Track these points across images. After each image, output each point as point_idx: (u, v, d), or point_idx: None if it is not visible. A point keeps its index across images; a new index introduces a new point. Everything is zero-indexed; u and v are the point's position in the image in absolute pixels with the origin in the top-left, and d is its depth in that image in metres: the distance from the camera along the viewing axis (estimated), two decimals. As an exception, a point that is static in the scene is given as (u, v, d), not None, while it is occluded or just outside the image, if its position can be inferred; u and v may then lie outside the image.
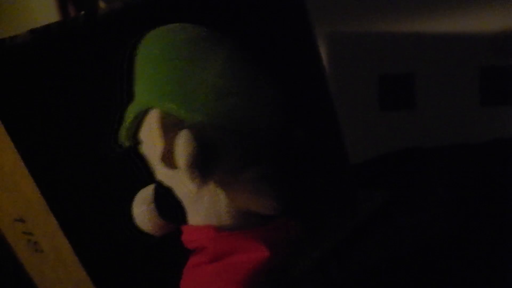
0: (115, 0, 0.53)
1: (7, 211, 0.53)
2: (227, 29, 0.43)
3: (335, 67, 1.09)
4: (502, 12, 0.97)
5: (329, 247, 0.62)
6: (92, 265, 0.48)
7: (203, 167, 0.33)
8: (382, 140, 1.03)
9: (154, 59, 0.36)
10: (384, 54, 1.07)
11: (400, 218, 0.68)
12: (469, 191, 0.71)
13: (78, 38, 0.48)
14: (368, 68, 1.08)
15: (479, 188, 0.71)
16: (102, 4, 0.71)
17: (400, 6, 1.02)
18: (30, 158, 0.45)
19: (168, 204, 0.37)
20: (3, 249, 0.58)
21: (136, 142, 0.39)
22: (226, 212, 0.35)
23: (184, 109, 0.34)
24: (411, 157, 0.89)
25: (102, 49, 0.50)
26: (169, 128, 0.34)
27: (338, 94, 0.81)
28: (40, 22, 0.48)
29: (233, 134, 0.33)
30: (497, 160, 0.79)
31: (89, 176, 0.49)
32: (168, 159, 0.34)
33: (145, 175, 0.40)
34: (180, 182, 0.35)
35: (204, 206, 0.35)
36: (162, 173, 0.37)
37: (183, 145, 0.32)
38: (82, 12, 0.48)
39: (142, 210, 0.37)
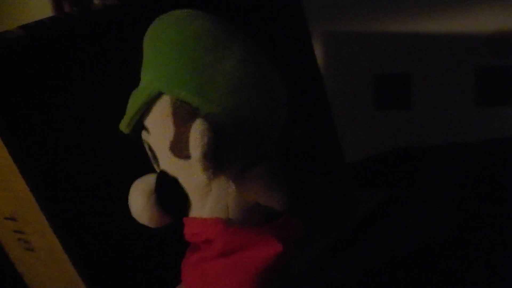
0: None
1: (-3, 209, 0.52)
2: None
3: (330, 66, 1.09)
4: (497, 12, 0.97)
5: (326, 247, 0.62)
6: (83, 264, 0.48)
7: (217, 158, 0.32)
8: (377, 140, 1.03)
9: (172, 44, 0.34)
10: (380, 54, 1.07)
11: (395, 217, 0.68)
12: (465, 190, 0.71)
13: (72, 34, 0.48)
14: (363, 68, 1.08)
15: (475, 188, 0.71)
16: (96, 0, 0.71)
17: (396, 6, 1.02)
18: (20, 156, 0.45)
19: (171, 195, 0.35)
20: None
21: (137, 129, 0.37)
22: (235, 206, 0.35)
23: (201, 98, 0.33)
24: (406, 156, 0.89)
25: (96, 45, 0.50)
26: (182, 116, 0.33)
27: (333, 93, 0.81)
28: (35, 18, 0.47)
29: (246, 127, 0.33)
30: (492, 160, 0.79)
31: (79, 174, 0.48)
32: (178, 148, 0.33)
33: (143, 165, 0.38)
34: (189, 172, 0.34)
35: (213, 198, 0.35)
36: (169, 162, 0.35)
37: (198, 134, 0.31)
38: (76, 8, 0.48)
39: (141, 201, 0.35)
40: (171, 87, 0.33)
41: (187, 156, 0.33)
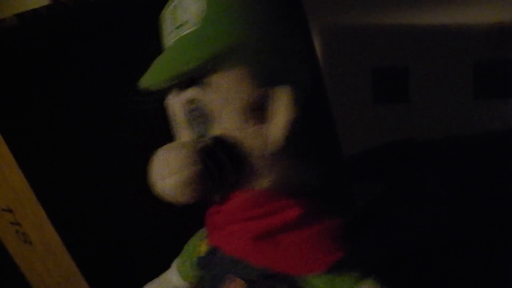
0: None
1: (-5, 201, 0.52)
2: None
3: (328, 60, 1.09)
4: (496, 6, 0.97)
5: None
6: (80, 255, 0.48)
7: (298, 127, 0.31)
8: (375, 133, 1.03)
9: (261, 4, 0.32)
10: (378, 48, 1.07)
11: (393, 210, 0.68)
12: (463, 183, 0.72)
13: (68, 24, 0.48)
14: (361, 61, 1.08)
15: (473, 180, 0.71)
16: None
17: (394, 0, 1.02)
18: (17, 148, 0.45)
19: (223, 162, 0.31)
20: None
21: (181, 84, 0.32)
22: (297, 179, 0.33)
23: (289, 66, 0.32)
24: (404, 149, 0.89)
25: (92, 35, 0.49)
26: (262, 78, 0.31)
27: (331, 87, 0.81)
28: (30, 7, 0.47)
29: (317, 100, 0.33)
30: (490, 152, 0.79)
31: (77, 167, 0.48)
32: (255, 111, 0.31)
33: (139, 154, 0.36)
34: (259, 138, 0.31)
35: (279, 169, 0.32)
36: (234, 126, 0.31)
37: (287, 101, 0.30)
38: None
39: (182, 174, 0.29)
40: (256, 50, 0.31)
41: (263, 120, 0.31)
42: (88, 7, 0.48)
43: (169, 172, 0.29)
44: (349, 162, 0.80)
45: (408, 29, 1.02)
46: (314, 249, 0.31)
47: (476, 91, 0.99)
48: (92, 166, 0.49)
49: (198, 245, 0.39)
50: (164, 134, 0.40)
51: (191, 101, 0.32)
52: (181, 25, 0.32)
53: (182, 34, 0.32)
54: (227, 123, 0.31)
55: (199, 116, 0.32)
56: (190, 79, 0.31)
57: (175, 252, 0.40)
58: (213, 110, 0.31)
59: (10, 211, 0.51)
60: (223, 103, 0.31)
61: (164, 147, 0.31)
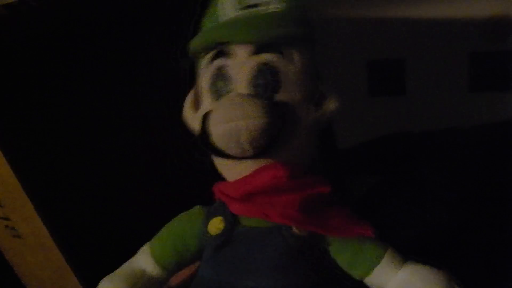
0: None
1: (-17, 196, 0.51)
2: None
3: (323, 52, 1.08)
4: (492, -2, 0.97)
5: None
6: (70, 250, 0.47)
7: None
8: (371, 126, 1.03)
9: None
10: (373, 40, 1.06)
11: (390, 203, 0.67)
12: (459, 175, 0.71)
13: (58, 15, 0.47)
14: (356, 54, 1.07)
15: (469, 172, 0.71)
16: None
17: (390, -9, 1.01)
18: (5, 142, 0.44)
19: (282, 126, 0.33)
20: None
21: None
22: (316, 162, 0.37)
23: None
24: (400, 142, 0.88)
25: (86, 26, 0.49)
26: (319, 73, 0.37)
27: (326, 79, 0.80)
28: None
29: None
30: (486, 145, 0.79)
31: (66, 159, 0.47)
32: (314, 94, 0.36)
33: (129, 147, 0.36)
34: (309, 116, 0.35)
35: (311, 147, 0.36)
36: (297, 98, 0.34)
37: (337, 96, 0.36)
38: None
39: (258, 120, 0.31)
40: None
41: (315, 103, 0.35)
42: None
43: (245, 115, 0.31)
44: (344, 156, 0.80)
45: (404, 21, 1.02)
46: (353, 220, 0.35)
47: (472, 84, 0.99)
48: (81, 159, 0.48)
49: (198, 225, 0.37)
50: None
51: (266, 64, 0.34)
52: (257, 4, 0.35)
53: (266, 12, 0.35)
54: (292, 95, 0.34)
55: (269, 78, 0.34)
56: (270, 44, 0.34)
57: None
58: (285, 79, 0.34)
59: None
60: (295, 77, 0.34)
61: (232, 94, 0.33)
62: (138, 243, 0.47)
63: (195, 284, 0.37)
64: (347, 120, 1.01)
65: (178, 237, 0.37)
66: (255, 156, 0.33)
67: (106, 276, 0.37)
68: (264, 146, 0.32)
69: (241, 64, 0.34)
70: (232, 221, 0.35)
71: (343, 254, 0.35)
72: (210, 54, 0.36)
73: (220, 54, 0.35)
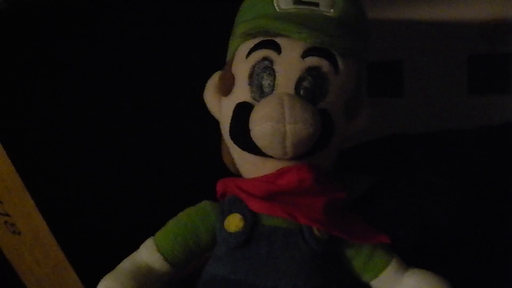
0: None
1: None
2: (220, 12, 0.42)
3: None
4: (491, 1, 0.97)
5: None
6: (70, 246, 0.47)
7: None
8: (369, 127, 1.03)
9: None
10: (372, 41, 1.06)
11: (387, 203, 0.68)
12: (456, 176, 0.71)
13: (57, 8, 0.47)
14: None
15: (466, 173, 0.71)
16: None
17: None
18: (6, 137, 0.44)
19: (326, 136, 0.34)
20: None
21: None
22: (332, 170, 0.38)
23: None
24: (398, 143, 0.89)
25: (85, 20, 0.49)
26: (362, 85, 0.38)
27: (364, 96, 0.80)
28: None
29: None
30: (484, 147, 0.79)
31: (66, 156, 0.47)
32: (350, 109, 0.36)
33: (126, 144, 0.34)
34: (342, 127, 0.36)
35: (336, 154, 0.37)
36: (337, 108, 0.35)
37: (368, 111, 0.38)
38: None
39: (308, 125, 0.31)
40: None
41: (349, 116, 0.35)
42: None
43: (298, 119, 0.30)
44: (343, 156, 0.80)
45: (403, 23, 1.02)
46: (368, 227, 0.36)
47: (471, 86, 0.99)
48: (82, 155, 0.48)
49: (211, 220, 0.36)
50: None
51: (317, 69, 0.33)
52: (309, 3, 0.34)
53: (321, 12, 0.34)
54: (334, 105, 0.33)
55: (317, 84, 0.33)
56: (325, 49, 0.33)
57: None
58: (331, 88, 0.33)
59: (-1, 201, 0.51)
60: (340, 88, 0.34)
61: (283, 94, 0.32)
62: (138, 240, 0.47)
63: (206, 282, 0.35)
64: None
65: (190, 232, 0.36)
66: (292, 159, 0.33)
67: (110, 273, 0.34)
68: (305, 151, 0.32)
69: (291, 63, 0.33)
70: (253, 219, 0.34)
71: (358, 259, 0.35)
72: (255, 41, 0.34)
73: (268, 44, 0.34)
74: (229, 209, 0.35)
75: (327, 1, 0.34)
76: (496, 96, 0.97)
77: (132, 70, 0.54)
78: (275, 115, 0.30)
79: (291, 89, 0.33)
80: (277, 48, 0.33)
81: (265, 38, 0.34)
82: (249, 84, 0.34)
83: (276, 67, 0.33)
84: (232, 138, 0.34)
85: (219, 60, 0.39)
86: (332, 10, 0.34)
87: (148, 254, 0.36)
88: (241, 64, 0.35)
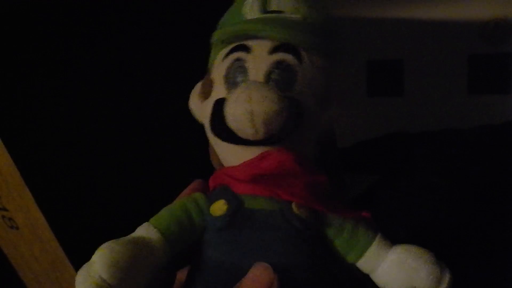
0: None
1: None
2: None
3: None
4: (491, 1, 0.97)
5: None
6: (68, 241, 0.47)
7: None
8: (370, 126, 1.03)
9: None
10: (373, 40, 1.06)
11: (387, 202, 0.67)
12: (456, 175, 0.72)
13: (57, 8, 0.47)
14: (356, 54, 1.08)
15: (465, 172, 0.72)
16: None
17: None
18: (5, 132, 0.44)
19: (297, 118, 0.35)
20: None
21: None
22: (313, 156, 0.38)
23: None
24: (398, 141, 0.88)
25: (81, 18, 0.48)
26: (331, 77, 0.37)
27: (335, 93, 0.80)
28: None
29: None
30: (483, 146, 0.79)
31: (66, 152, 0.47)
32: (324, 97, 0.36)
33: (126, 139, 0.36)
34: (314, 116, 0.36)
35: (313, 142, 0.37)
36: (305, 97, 0.35)
37: (342, 102, 0.37)
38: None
39: (277, 104, 0.33)
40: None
41: (322, 105, 0.36)
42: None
43: (263, 97, 0.32)
44: (343, 155, 0.80)
45: (403, 23, 1.02)
46: (348, 205, 0.35)
47: (471, 86, 0.99)
48: (81, 151, 0.48)
49: (201, 206, 0.37)
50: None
51: (283, 62, 0.35)
52: (281, 11, 0.37)
53: (289, 18, 0.37)
54: (303, 94, 0.35)
55: (284, 75, 0.35)
56: (289, 45, 0.35)
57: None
58: (298, 79, 0.35)
59: (-3, 195, 0.50)
60: (307, 78, 0.35)
61: (250, 81, 0.34)
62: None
63: (195, 264, 0.37)
64: (346, 119, 1.02)
65: (183, 212, 0.37)
66: (265, 140, 0.34)
67: (105, 243, 0.35)
68: (277, 130, 0.33)
69: (259, 59, 0.35)
70: (236, 203, 0.36)
71: (340, 237, 0.35)
72: (229, 47, 0.37)
73: (239, 48, 0.37)
74: (216, 196, 0.37)
75: (291, 8, 0.37)
76: (496, 96, 0.97)
77: (131, 70, 0.54)
78: (243, 97, 0.33)
79: (261, 81, 0.35)
80: (247, 49, 0.36)
81: (237, 43, 0.37)
82: (225, 84, 0.36)
83: (247, 64, 0.36)
84: (212, 131, 0.36)
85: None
86: (299, 15, 0.37)
87: (143, 230, 0.36)
88: (218, 69, 0.38)
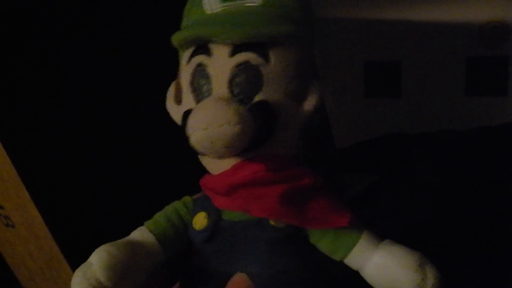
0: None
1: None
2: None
3: (320, 52, 1.08)
4: (489, 3, 0.97)
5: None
6: (64, 240, 0.47)
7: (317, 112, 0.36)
8: (367, 127, 1.03)
9: None
10: (370, 41, 1.06)
11: (385, 203, 0.67)
12: (453, 176, 0.72)
13: (57, 7, 0.47)
14: (354, 55, 1.08)
15: (463, 174, 0.72)
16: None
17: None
18: (1, 129, 0.43)
19: (261, 126, 0.33)
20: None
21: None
22: (301, 154, 0.37)
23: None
24: (396, 142, 0.89)
25: (81, 18, 0.48)
26: (305, 68, 0.36)
27: (323, 80, 0.80)
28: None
29: None
30: (480, 147, 0.79)
31: (62, 149, 0.47)
32: (296, 91, 0.35)
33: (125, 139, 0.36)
34: (292, 114, 0.35)
35: (295, 141, 0.36)
36: (277, 96, 0.34)
37: (319, 91, 0.36)
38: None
39: (232, 125, 0.31)
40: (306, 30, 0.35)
41: (297, 100, 0.35)
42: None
43: (220, 122, 0.31)
44: (341, 155, 0.80)
45: (401, 24, 1.02)
46: (332, 210, 0.35)
47: (468, 88, 1.00)
48: (77, 149, 0.48)
49: (183, 216, 0.38)
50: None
51: (246, 63, 0.33)
52: None
53: (245, 5, 0.35)
54: (274, 93, 0.34)
55: (249, 78, 0.33)
56: (251, 43, 0.33)
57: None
58: (266, 78, 0.33)
59: (-7, 192, 0.50)
60: (276, 75, 0.34)
61: (209, 99, 0.32)
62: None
63: (186, 273, 0.37)
64: (343, 120, 1.02)
65: (176, 215, 0.38)
66: (232, 156, 0.34)
67: (101, 246, 0.35)
68: (242, 148, 0.32)
69: (220, 64, 0.34)
70: (215, 216, 0.36)
71: (323, 240, 0.35)
72: (191, 49, 0.35)
73: (201, 50, 0.35)
74: (199, 206, 0.37)
75: None
76: (494, 98, 0.97)
77: (131, 70, 0.54)
78: (200, 122, 0.31)
79: (225, 89, 0.34)
80: (208, 52, 0.34)
81: (199, 44, 0.35)
82: (191, 92, 0.35)
83: (209, 71, 0.34)
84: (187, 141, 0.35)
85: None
86: (258, 1, 0.35)
87: (139, 233, 0.37)
88: (184, 73, 0.36)
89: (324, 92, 0.75)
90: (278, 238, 0.34)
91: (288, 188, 0.34)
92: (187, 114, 0.32)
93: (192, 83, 0.35)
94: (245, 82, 0.33)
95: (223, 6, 0.35)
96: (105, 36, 0.51)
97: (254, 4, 0.35)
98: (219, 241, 0.35)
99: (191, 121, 0.32)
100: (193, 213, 0.37)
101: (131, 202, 0.51)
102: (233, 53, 0.33)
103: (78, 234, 0.47)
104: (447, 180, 0.70)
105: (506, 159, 0.72)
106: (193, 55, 0.35)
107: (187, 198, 0.39)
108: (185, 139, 0.32)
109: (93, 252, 0.34)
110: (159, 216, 0.38)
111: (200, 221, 0.36)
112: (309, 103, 0.35)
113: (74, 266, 0.48)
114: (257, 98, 0.33)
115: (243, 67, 0.33)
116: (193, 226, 0.37)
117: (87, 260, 0.34)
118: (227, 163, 0.35)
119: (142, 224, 0.38)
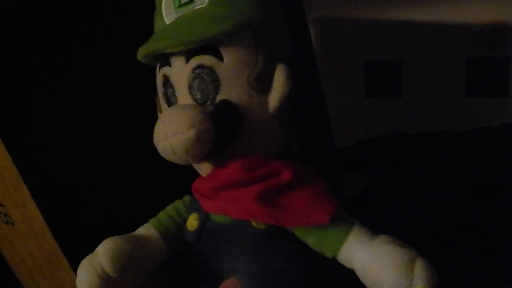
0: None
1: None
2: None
3: (321, 53, 1.08)
4: (490, 4, 0.97)
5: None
6: (64, 237, 0.47)
7: (289, 101, 0.35)
8: (367, 127, 1.03)
9: None
10: (371, 42, 1.07)
11: (384, 203, 0.67)
12: (453, 176, 0.72)
13: (57, 7, 0.47)
14: (354, 55, 1.08)
15: (462, 173, 0.72)
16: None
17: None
18: (1, 127, 0.43)
19: (224, 127, 0.33)
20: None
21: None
22: (279, 143, 0.37)
23: (285, 48, 0.37)
24: (396, 142, 0.89)
25: (81, 18, 0.48)
26: (267, 53, 0.35)
27: (324, 80, 0.80)
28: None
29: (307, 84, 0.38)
30: (479, 147, 0.79)
31: (62, 146, 0.47)
32: (259, 83, 0.34)
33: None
34: (259, 107, 0.35)
35: (271, 134, 0.36)
36: (241, 93, 0.34)
37: (285, 77, 0.34)
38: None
39: (189, 132, 0.31)
40: (262, 21, 0.35)
41: (263, 91, 0.34)
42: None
43: (174, 131, 0.31)
44: (341, 155, 0.80)
45: (401, 25, 1.02)
46: (313, 204, 0.34)
47: (468, 89, 1.00)
48: (77, 147, 0.48)
49: (182, 215, 0.39)
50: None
51: (200, 67, 0.34)
52: (186, 3, 0.36)
53: (194, 8, 0.35)
54: (234, 90, 0.34)
55: (206, 81, 0.34)
56: (201, 46, 0.34)
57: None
58: (223, 77, 0.34)
59: (-7, 190, 0.50)
60: (233, 72, 0.34)
61: (168, 109, 0.33)
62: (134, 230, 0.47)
63: (179, 271, 0.39)
64: (343, 120, 1.02)
65: (178, 214, 0.39)
66: (203, 161, 0.34)
67: (110, 237, 0.36)
68: (204, 153, 0.33)
69: (179, 72, 0.35)
70: (204, 218, 0.37)
71: (309, 238, 0.35)
72: (158, 62, 0.37)
73: (164, 62, 0.36)
74: (192, 208, 0.38)
75: None
76: (493, 99, 0.97)
77: (131, 69, 0.54)
78: (160, 133, 0.32)
79: (186, 96, 0.35)
80: (170, 63, 0.35)
81: (163, 56, 0.36)
82: (165, 102, 0.36)
83: (172, 80, 0.35)
84: None
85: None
86: (205, 1, 0.35)
87: (145, 229, 0.38)
88: (158, 85, 0.37)
89: (325, 92, 0.75)
90: (261, 238, 0.35)
91: (265, 187, 0.34)
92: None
93: (164, 93, 0.36)
94: (204, 85, 0.34)
95: (177, 14, 0.36)
96: (105, 36, 0.51)
97: (202, 6, 0.35)
98: (207, 242, 0.36)
99: (154, 132, 0.33)
100: (188, 213, 0.38)
101: (130, 200, 0.51)
102: (187, 60, 0.34)
103: (78, 232, 0.47)
104: (447, 180, 0.70)
105: (506, 159, 0.72)
106: (160, 66, 0.36)
107: (186, 198, 0.40)
108: None
109: (101, 243, 0.35)
110: (162, 214, 0.39)
111: (191, 222, 0.37)
112: (277, 91, 0.34)
113: (74, 264, 0.48)
114: (218, 98, 0.34)
115: (198, 71, 0.34)
116: (186, 226, 0.38)
117: (95, 250, 0.35)
118: (206, 168, 0.36)
119: (141, 222, 0.39)
